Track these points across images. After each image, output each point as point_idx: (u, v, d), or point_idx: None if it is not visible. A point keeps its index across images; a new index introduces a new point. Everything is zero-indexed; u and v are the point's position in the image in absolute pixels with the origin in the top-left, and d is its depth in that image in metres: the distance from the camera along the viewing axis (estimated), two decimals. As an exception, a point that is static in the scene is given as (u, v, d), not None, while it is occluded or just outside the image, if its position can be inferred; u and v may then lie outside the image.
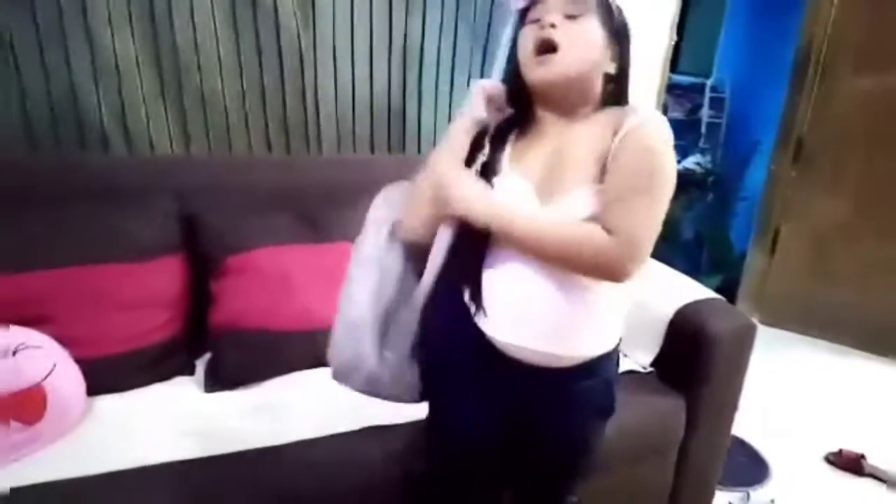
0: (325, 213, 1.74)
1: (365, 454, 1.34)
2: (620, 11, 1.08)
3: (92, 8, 1.73)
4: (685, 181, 4.06)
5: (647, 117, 0.99)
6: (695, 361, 1.67)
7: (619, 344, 1.16)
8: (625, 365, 1.78)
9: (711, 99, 4.05)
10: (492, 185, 1.07)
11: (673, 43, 2.53)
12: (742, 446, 2.30)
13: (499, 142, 1.11)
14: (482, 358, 1.09)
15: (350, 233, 1.71)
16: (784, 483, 2.14)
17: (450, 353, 1.14)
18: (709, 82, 4.04)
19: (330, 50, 2.02)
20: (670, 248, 3.95)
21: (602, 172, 0.99)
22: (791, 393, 2.71)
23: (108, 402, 1.42)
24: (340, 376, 1.20)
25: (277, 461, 1.30)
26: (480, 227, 1.01)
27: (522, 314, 1.05)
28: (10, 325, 1.33)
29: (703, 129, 4.07)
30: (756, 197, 3.49)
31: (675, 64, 4.22)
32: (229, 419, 1.41)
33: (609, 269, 0.98)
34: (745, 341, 1.71)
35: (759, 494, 2.03)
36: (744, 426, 2.37)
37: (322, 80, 2.04)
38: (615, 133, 0.99)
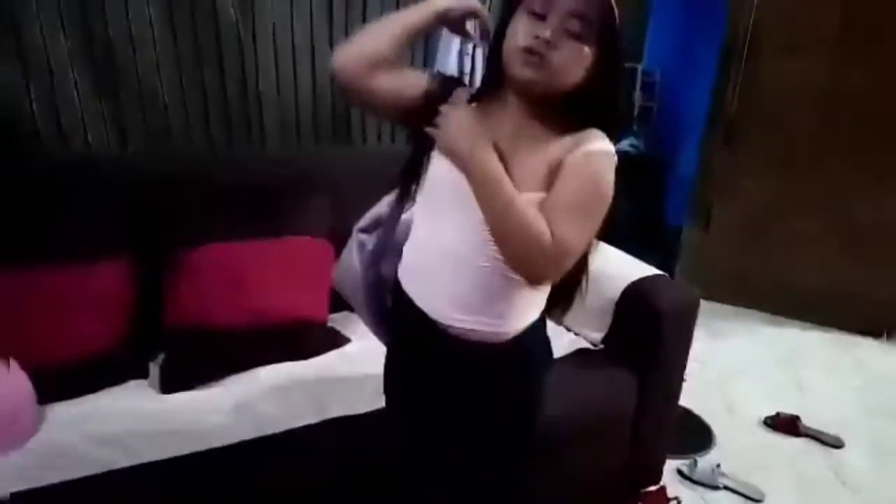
0: (274, 207, 1.72)
1: (326, 445, 1.35)
2: (620, 35, 1.04)
3: (19, 7, 1.65)
4: (621, 163, 4.18)
5: (605, 147, 1.03)
6: (644, 336, 1.74)
7: (539, 316, 1.19)
8: (576, 343, 1.83)
9: (643, 83, 4.16)
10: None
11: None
12: (687, 415, 2.39)
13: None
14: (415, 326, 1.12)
15: (299, 225, 1.72)
16: (727, 448, 2.24)
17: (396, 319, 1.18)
18: (640, 67, 4.14)
19: (270, 40, 2.00)
20: (610, 229, 4.06)
21: (549, 181, 1.01)
22: (729, 363, 2.83)
23: (62, 411, 1.38)
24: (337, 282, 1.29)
25: (240, 457, 1.30)
26: (462, 167, 1.01)
27: (431, 286, 1.09)
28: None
29: (636, 113, 4.18)
30: (689, 177, 3.61)
31: (636, 54, 4.34)
32: (185, 420, 1.39)
33: (536, 267, 1.00)
34: (689, 314, 1.78)
35: (705, 460, 2.12)
36: (687, 396, 2.47)
37: (263, 72, 2.02)
38: (573, 148, 1.02)
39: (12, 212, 1.47)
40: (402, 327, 1.19)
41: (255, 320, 1.57)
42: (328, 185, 1.82)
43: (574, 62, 1.01)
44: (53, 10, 1.70)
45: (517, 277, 1.04)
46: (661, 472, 1.96)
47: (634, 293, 1.77)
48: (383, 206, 1.24)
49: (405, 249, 1.16)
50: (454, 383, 1.16)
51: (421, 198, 1.12)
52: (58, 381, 1.39)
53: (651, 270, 1.86)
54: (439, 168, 1.06)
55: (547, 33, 0.98)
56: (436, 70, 1.14)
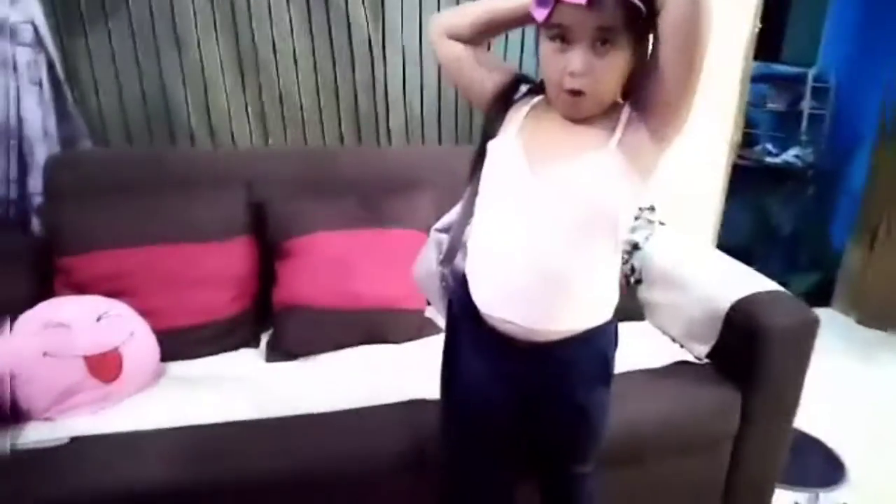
0: (385, 201, 1.83)
1: (400, 424, 1.42)
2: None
3: (180, 16, 1.90)
4: (784, 175, 3.88)
5: None
6: (751, 354, 1.62)
7: (613, 316, 1.15)
8: (680, 355, 1.76)
9: (814, 89, 3.83)
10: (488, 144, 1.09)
11: (757, 30, 2.44)
12: (818, 447, 2.19)
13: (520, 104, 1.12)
14: (479, 325, 1.12)
15: (407, 220, 1.82)
16: (862, 487, 2.02)
17: (459, 317, 1.18)
18: (811, 72, 3.82)
19: (399, 45, 2.12)
20: (766, 244, 3.79)
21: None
22: (882, 396, 2.54)
23: (179, 368, 1.58)
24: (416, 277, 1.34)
25: (323, 426, 1.40)
26: None
27: (503, 288, 1.07)
28: (97, 295, 1.52)
29: (805, 122, 3.86)
30: (858, 192, 3.28)
31: (776, 53, 4.05)
32: (284, 387, 1.53)
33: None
34: (806, 335, 1.64)
35: (830, 497, 1.93)
36: (823, 427, 2.26)
37: (391, 74, 2.14)
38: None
39: (158, 196, 1.71)
40: (466, 325, 1.18)
41: (354, 304, 1.68)
42: (439, 183, 1.90)
43: (614, 74, 0.99)
44: (210, 26, 1.94)
45: (599, 274, 1.06)
46: (768, 500, 1.82)
47: (746, 308, 1.66)
48: (456, 208, 1.27)
49: (470, 250, 1.16)
50: (516, 378, 1.15)
51: (485, 199, 1.12)
52: (180, 343, 1.59)
53: (769, 285, 1.73)
54: (505, 177, 1.07)
55: (577, 65, 0.96)
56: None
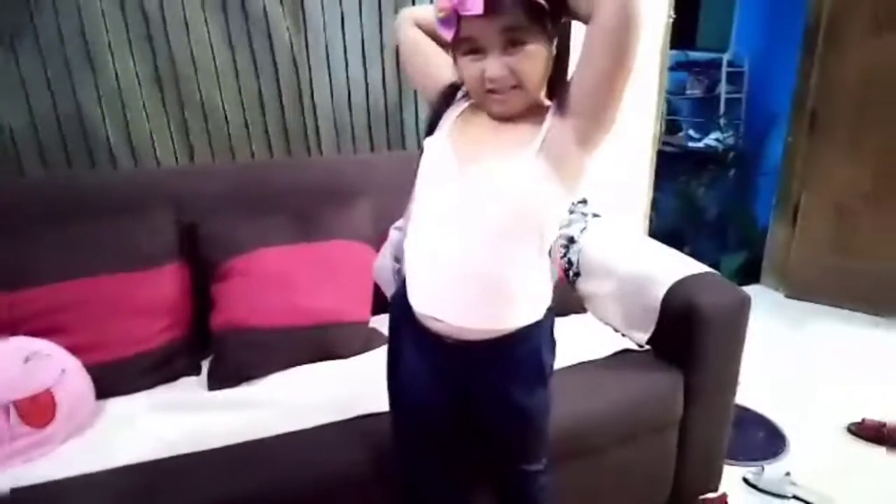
0: (321, 213, 1.81)
1: (353, 441, 1.40)
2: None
3: (91, 33, 1.82)
4: (706, 159, 4.02)
5: None
6: (689, 337, 1.67)
7: (547, 315, 1.17)
8: (621, 343, 1.80)
9: (729, 74, 3.98)
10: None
11: (671, 20, 2.51)
12: (759, 420, 2.28)
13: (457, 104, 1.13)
14: (416, 324, 1.13)
15: (345, 230, 1.79)
16: (802, 455, 2.11)
17: (398, 316, 1.20)
18: (725, 57, 3.97)
19: (323, 53, 2.09)
20: (695, 227, 3.92)
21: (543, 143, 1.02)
22: (814, 365, 2.66)
23: (117, 404, 1.51)
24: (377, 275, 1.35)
25: (272, 450, 1.37)
26: None
27: (431, 287, 1.09)
28: (22, 336, 1.44)
29: (722, 106, 4.01)
30: (777, 171, 3.43)
31: (692, 41, 4.18)
32: (229, 414, 1.48)
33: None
34: (740, 314, 1.70)
35: (774, 467, 2.01)
36: (762, 400, 2.36)
37: (317, 83, 2.11)
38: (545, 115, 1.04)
39: (80, 224, 1.63)
40: (405, 324, 1.18)
41: (297, 320, 1.64)
42: (375, 191, 1.89)
43: (533, 67, 1.00)
44: (123, 39, 1.87)
45: (525, 275, 1.07)
46: (719, 479, 1.88)
47: (681, 292, 1.71)
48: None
49: (406, 248, 1.16)
50: (454, 378, 1.16)
51: (418, 196, 1.13)
52: (115, 378, 1.53)
53: (700, 268, 1.79)
54: (440, 174, 1.08)
55: (494, 68, 0.98)
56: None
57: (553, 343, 1.23)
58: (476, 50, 0.98)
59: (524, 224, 1.06)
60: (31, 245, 1.57)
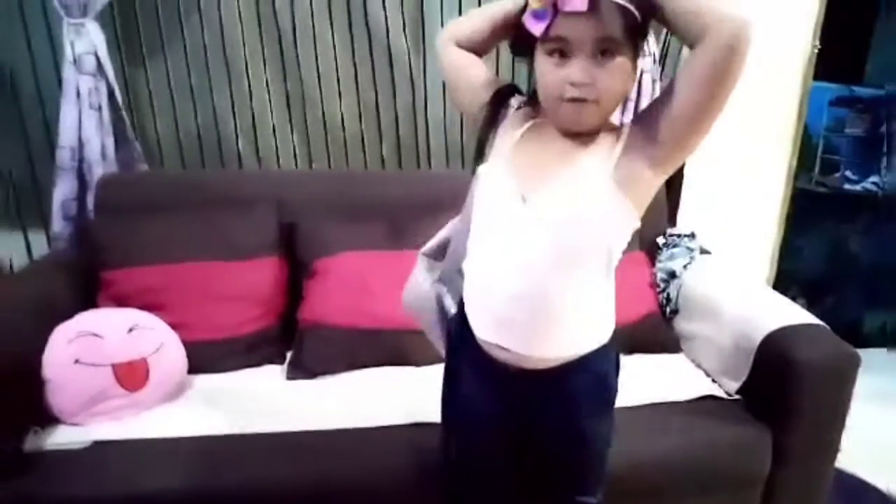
0: (413, 223, 1.86)
1: (404, 446, 1.43)
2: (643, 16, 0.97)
3: (230, 46, 2.02)
4: (862, 203, 3.65)
5: None
6: (782, 391, 1.54)
7: (611, 337, 1.12)
8: (709, 389, 1.69)
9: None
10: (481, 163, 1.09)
11: (816, 50, 2.34)
12: (875, 493, 2.05)
13: (512, 122, 1.10)
14: (477, 350, 1.11)
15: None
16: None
17: (458, 340, 1.17)
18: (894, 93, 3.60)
19: (439, 74, 2.15)
20: (842, 277, 3.57)
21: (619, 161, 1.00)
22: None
23: (204, 381, 1.64)
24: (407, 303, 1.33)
25: (328, 443, 1.43)
26: None
27: (494, 314, 1.06)
28: (132, 308, 1.61)
29: (886, 147, 3.63)
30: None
31: (859, 76, 3.85)
32: (299, 404, 1.57)
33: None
34: (845, 373, 1.54)
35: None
36: (882, 472, 2.11)
37: (431, 100, 2.19)
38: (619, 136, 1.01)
39: (194, 215, 1.80)
40: (465, 349, 1.16)
41: (376, 324, 1.70)
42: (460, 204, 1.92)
43: (616, 82, 0.96)
44: (258, 52, 2.06)
45: (592, 300, 1.05)
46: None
47: (779, 342, 1.58)
48: (447, 230, 1.28)
49: (466, 275, 1.14)
50: (516, 405, 1.13)
51: (478, 224, 1.10)
52: (208, 357, 1.66)
53: (805, 318, 1.65)
54: (496, 204, 1.05)
55: (579, 75, 0.94)
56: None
57: (618, 367, 1.18)
58: (562, 52, 0.95)
59: (591, 251, 1.02)
60: (149, 228, 1.76)
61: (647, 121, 1.00)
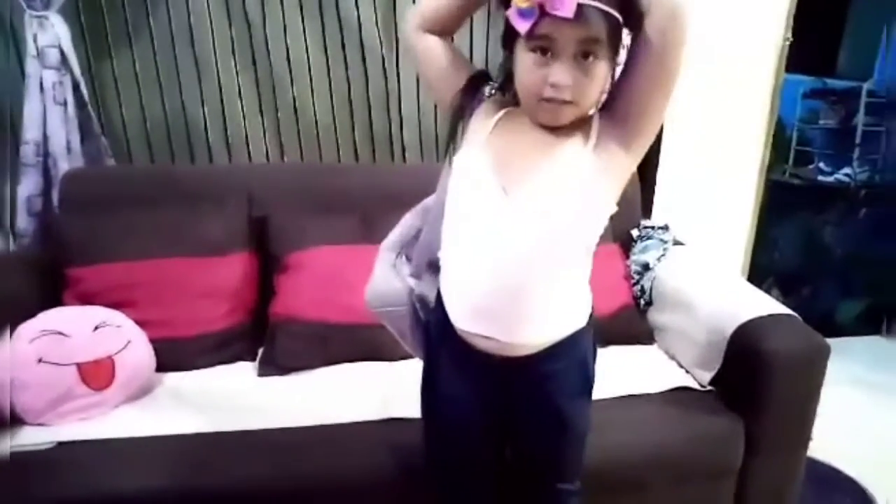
0: (387, 217, 1.83)
1: (377, 442, 1.42)
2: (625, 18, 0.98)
3: (199, 37, 1.99)
4: (834, 194, 3.70)
5: None
6: (753, 382, 1.55)
7: (588, 321, 1.12)
8: (682, 380, 1.70)
9: (869, 104, 3.64)
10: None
11: (787, 42, 2.35)
12: (851, 486, 2.07)
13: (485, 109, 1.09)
14: (457, 342, 1.10)
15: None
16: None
17: (437, 334, 1.17)
18: (865, 86, 3.64)
19: (412, 65, 2.13)
20: (815, 268, 3.61)
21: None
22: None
23: (173, 379, 1.62)
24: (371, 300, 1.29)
25: (299, 440, 1.42)
26: None
27: (473, 304, 1.06)
28: (98, 306, 1.58)
29: (858, 138, 3.67)
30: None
31: (832, 68, 3.88)
32: (271, 401, 1.55)
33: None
34: (814, 363, 1.55)
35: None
36: (860, 462, 2.14)
37: (405, 92, 2.16)
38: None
39: (161, 210, 1.78)
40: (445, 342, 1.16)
41: (348, 318, 1.68)
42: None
43: (596, 86, 0.98)
44: (227, 42, 2.02)
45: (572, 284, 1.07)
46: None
47: (751, 332, 1.59)
48: (410, 219, 1.27)
49: (443, 266, 1.13)
50: (497, 394, 1.13)
51: (454, 214, 1.09)
52: (177, 355, 1.64)
53: (777, 308, 1.65)
54: (474, 195, 1.04)
55: (561, 78, 0.94)
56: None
57: (596, 351, 1.19)
58: (545, 51, 0.95)
59: (574, 239, 1.04)
60: (115, 224, 1.72)
61: (609, 105, 1.03)
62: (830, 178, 3.80)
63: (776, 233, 3.48)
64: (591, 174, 1.00)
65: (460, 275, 1.09)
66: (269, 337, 1.71)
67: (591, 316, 1.14)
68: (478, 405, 1.15)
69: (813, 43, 2.65)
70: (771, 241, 3.45)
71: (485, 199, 1.02)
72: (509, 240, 1.01)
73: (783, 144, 3.60)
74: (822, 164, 3.96)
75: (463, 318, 1.08)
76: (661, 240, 2.00)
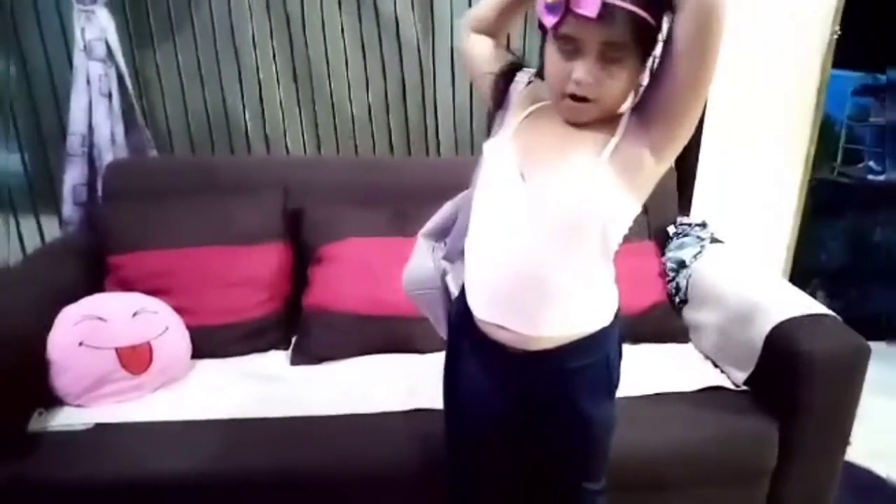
0: (419, 210, 1.84)
1: (403, 432, 1.43)
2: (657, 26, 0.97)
3: (239, 30, 2.02)
4: (884, 194, 3.58)
5: None
6: (789, 383, 1.52)
7: (614, 321, 1.11)
8: (716, 380, 1.67)
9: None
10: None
11: (835, 36, 2.28)
12: (887, 487, 2.01)
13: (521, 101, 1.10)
14: (477, 332, 1.11)
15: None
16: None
17: (458, 324, 1.17)
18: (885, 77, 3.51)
19: (448, 58, 2.14)
20: (864, 269, 3.51)
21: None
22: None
23: (208, 366, 1.66)
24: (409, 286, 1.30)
25: (326, 429, 1.44)
26: None
27: (492, 294, 1.06)
28: (138, 293, 1.62)
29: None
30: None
31: (883, 64, 3.76)
32: (304, 390, 1.57)
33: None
34: (855, 365, 1.51)
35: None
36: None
37: (440, 86, 2.17)
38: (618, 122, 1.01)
39: (200, 201, 1.82)
40: (465, 332, 1.16)
41: (380, 310, 1.70)
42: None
43: (618, 87, 0.97)
44: (266, 39, 2.05)
45: (590, 280, 1.05)
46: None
47: (786, 332, 1.55)
48: (448, 208, 1.27)
49: (466, 255, 1.14)
50: (517, 388, 1.14)
51: (478, 202, 1.10)
52: (212, 342, 1.67)
53: (816, 308, 1.61)
54: (496, 181, 1.05)
55: (581, 75, 0.94)
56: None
57: (621, 353, 1.17)
58: (569, 47, 0.96)
59: (586, 230, 1.02)
60: (155, 213, 1.77)
61: (641, 106, 1.01)
62: (881, 177, 3.68)
63: (824, 233, 3.39)
64: (608, 171, 0.99)
65: (479, 261, 1.10)
66: (302, 327, 1.74)
67: (616, 316, 1.13)
68: (496, 397, 1.15)
69: (864, 37, 2.56)
70: (818, 242, 3.36)
71: (504, 184, 1.03)
72: (524, 226, 1.01)
73: (831, 142, 3.51)
74: (872, 163, 3.84)
75: (481, 306, 1.09)
76: (699, 237, 1.97)
